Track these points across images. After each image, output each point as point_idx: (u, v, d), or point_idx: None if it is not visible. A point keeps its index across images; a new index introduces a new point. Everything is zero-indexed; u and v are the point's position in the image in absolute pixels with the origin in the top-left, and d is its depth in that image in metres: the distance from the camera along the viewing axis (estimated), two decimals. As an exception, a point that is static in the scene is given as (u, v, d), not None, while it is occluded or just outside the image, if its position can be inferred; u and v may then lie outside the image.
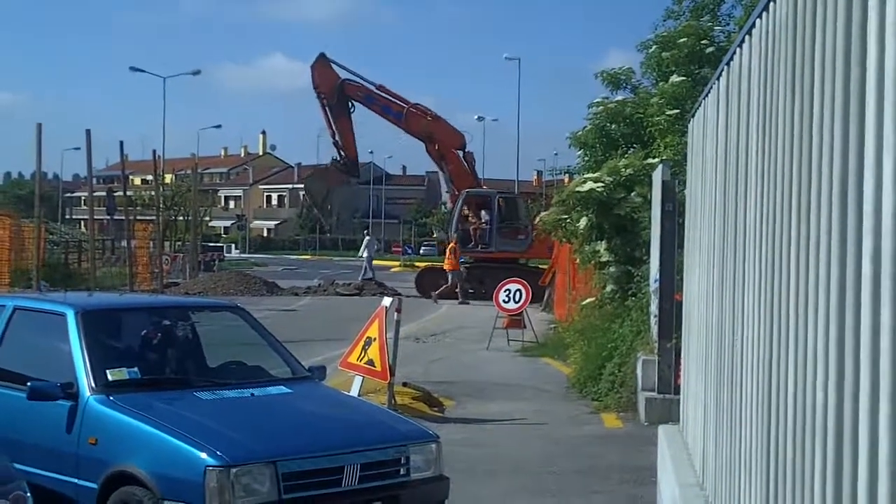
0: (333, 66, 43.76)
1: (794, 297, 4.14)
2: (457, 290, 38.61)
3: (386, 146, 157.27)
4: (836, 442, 3.50)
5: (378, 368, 14.05)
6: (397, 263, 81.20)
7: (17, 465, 7.59)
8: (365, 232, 54.20)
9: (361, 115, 44.02)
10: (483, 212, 42.46)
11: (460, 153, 44.66)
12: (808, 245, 3.90)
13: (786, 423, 4.27)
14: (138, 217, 51.41)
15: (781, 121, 4.46)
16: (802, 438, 3.96)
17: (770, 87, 4.77)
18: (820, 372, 3.70)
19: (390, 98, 43.99)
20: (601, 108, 23.55)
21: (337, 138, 43.84)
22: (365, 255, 48.69)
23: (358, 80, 43.91)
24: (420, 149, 44.90)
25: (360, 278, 45.60)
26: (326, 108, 43.31)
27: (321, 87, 43.23)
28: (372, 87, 43.77)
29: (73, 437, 8.30)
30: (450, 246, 39.47)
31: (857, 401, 3.24)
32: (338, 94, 43.13)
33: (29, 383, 8.48)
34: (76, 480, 8.20)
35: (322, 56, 43.66)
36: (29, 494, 6.99)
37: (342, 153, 44.25)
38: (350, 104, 43.65)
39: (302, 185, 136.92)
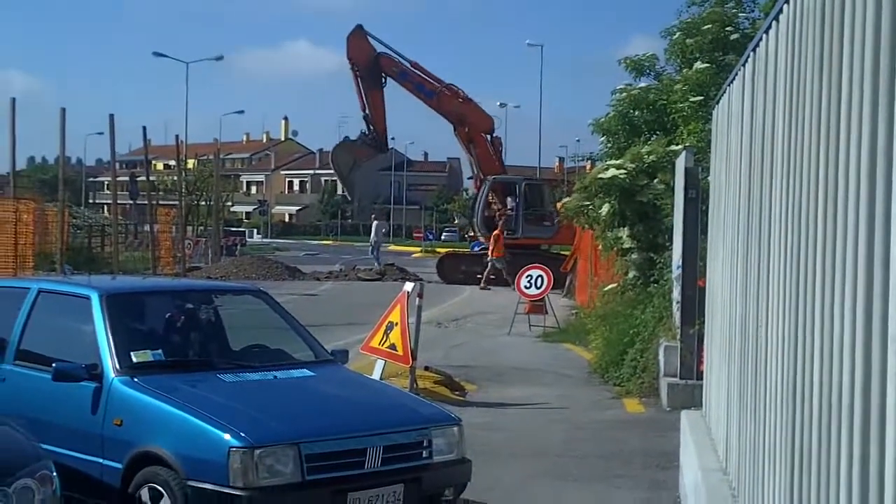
0: (370, 38, 43.19)
1: (821, 282, 4.13)
2: (489, 276, 38.33)
3: (408, 132, 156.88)
4: (862, 427, 3.49)
5: (400, 353, 14.07)
6: (419, 249, 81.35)
7: (44, 445, 7.65)
8: (373, 216, 53.98)
9: (387, 97, 43.76)
10: (508, 198, 42.35)
11: (488, 138, 44.46)
12: (836, 231, 3.89)
13: (811, 409, 4.27)
14: (161, 202, 51.56)
15: (808, 107, 4.45)
16: (828, 424, 3.95)
17: (797, 73, 4.76)
18: (846, 357, 3.69)
19: (424, 76, 43.57)
20: (624, 94, 23.51)
21: (367, 112, 43.23)
22: (374, 240, 48.89)
23: (394, 55, 43.44)
24: (442, 135, 45.33)
25: (377, 264, 45.61)
26: (359, 80, 42.73)
27: (356, 59, 42.63)
28: (407, 64, 43.38)
29: (98, 417, 8.36)
30: (494, 233, 38.67)
31: (885, 386, 3.23)
32: (372, 68, 42.62)
33: (54, 365, 8.54)
34: (101, 460, 8.26)
35: (359, 27, 43.09)
36: (55, 474, 7.06)
37: (371, 127, 43.64)
38: (383, 79, 43.15)
39: (323, 171, 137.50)
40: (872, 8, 3.45)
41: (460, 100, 43.55)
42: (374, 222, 50.42)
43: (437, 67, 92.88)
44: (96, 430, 8.33)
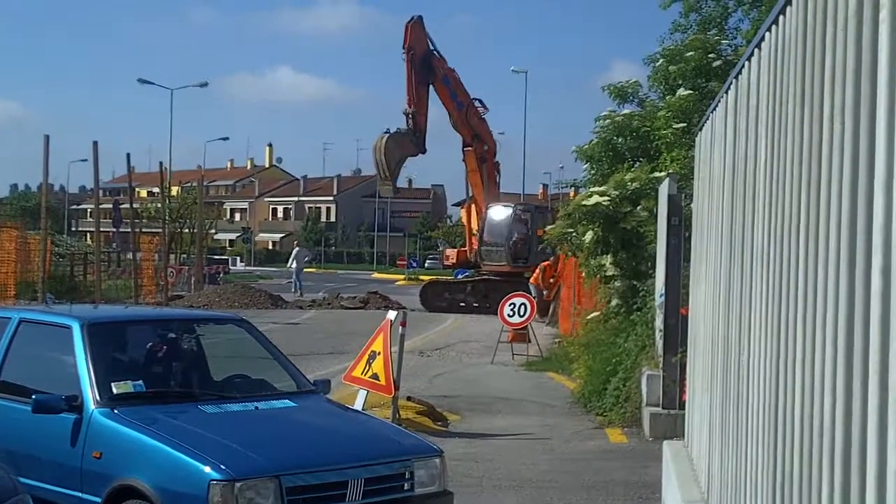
0: (427, 34, 41.93)
1: (802, 311, 4.11)
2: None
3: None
4: (843, 459, 3.47)
5: (382, 382, 14.01)
6: (402, 277, 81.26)
7: (22, 479, 7.56)
8: (294, 242, 53.74)
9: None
10: (519, 225, 41.88)
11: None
12: (817, 259, 3.88)
13: (793, 440, 4.25)
14: (144, 229, 51.44)
15: (791, 134, 4.44)
16: (810, 455, 3.93)
17: (779, 101, 4.76)
18: (828, 387, 3.67)
19: (458, 85, 42.60)
20: (608, 121, 23.53)
21: (412, 108, 41.41)
22: (294, 266, 48.85)
23: (441, 57, 42.29)
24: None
25: (298, 292, 45.43)
26: (412, 72, 41.16)
27: (415, 48, 41.10)
28: (448, 68, 42.38)
29: (78, 450, 8.28)
30: (544, 264, 35.83)
31: (866, 417, 3.22)
32: (424, 62, 41.27)
33: (33, 396, 8.47)
34: (80, 494, 8.17)
35: (420, 18, 41.71)
36: (32, 508, 6.97)
37: (412, 124, 41.68)
38: (431, 77, 41.71)
39: (307, 199, 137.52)
40: (853, 35, 3.44)
41: (479, 118, 42.99)
42: (295, 249, 50.77)
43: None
44: (75, 462, 8.25)
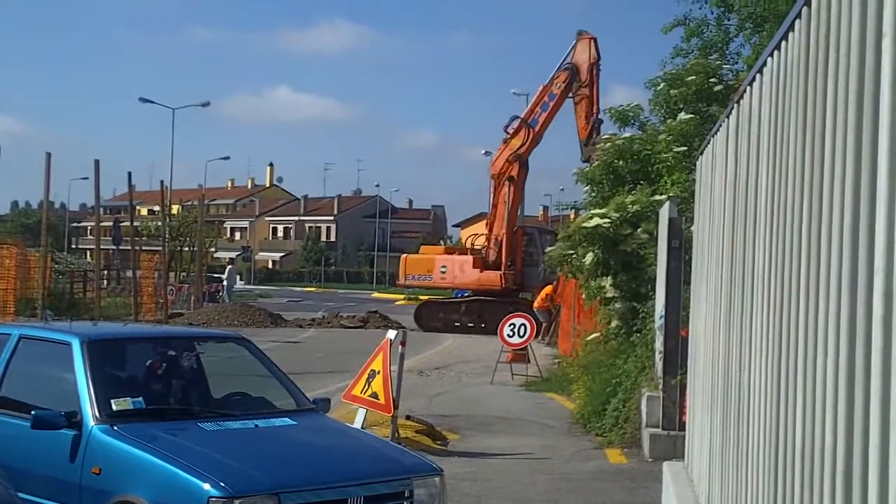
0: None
1: (804, 334, 4.12)
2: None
3: (392, 179, 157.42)
4: (844, 481, 3.48)
5: (381, 401, 14.00)
6: (402, 297, 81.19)
7: (21, 494, 7.59)
8: (228, 260, 58.07)
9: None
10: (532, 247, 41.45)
11: None
12: (818, 283, 3.89)
13: (794, 461, 4.25)
14: (144, 247, 51.46)
15: (792, 159, 4.46)
16: (811, 476, 3.93)
17: (781, 126, 4.77)
18: (829, 409, 3.68)
19: None
20: (609, 144, 23.56)
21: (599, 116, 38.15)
22: (226, 282, 55.09)
23: None
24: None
25: (227, 300, 48.61)
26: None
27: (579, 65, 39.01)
28: None
29: (77, 466, 8.28)
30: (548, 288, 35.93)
31: (868, 439, 3.22)
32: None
33: (33, 412, 8.48)
34: (79, 510, 8.17)
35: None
36: (32, 523, 6.97)
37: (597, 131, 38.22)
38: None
39: (307, 218, 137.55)
40: (856, 62, 3.46)
41: None
42: (228, 267, 57.10)
43: (422, 116, 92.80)
44: (74, 478, 8.24)
